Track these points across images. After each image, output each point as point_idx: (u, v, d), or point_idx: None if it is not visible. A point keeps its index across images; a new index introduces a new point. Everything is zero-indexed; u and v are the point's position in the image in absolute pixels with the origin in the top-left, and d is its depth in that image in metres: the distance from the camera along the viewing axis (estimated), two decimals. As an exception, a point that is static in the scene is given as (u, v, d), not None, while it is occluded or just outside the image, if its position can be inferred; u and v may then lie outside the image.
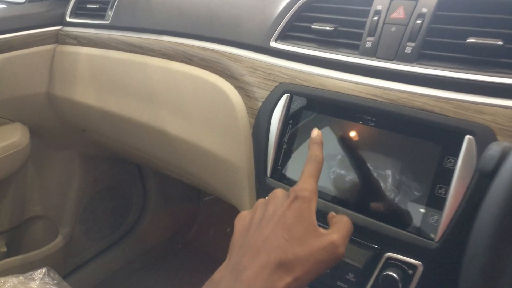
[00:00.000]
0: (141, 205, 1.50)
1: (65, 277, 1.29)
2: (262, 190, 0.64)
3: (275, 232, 0.43)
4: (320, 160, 0.49)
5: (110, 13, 0.94)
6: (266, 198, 0.49)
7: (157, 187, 1.48)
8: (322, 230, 0.44)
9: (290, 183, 0.61)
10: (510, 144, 0.37)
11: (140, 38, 0.86)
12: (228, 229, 1.62)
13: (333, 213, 0.50)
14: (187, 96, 0.77)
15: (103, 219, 1.41)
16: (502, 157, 0.36)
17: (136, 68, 0.85)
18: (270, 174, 0.63)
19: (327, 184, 0.57)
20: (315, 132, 0.54)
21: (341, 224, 0.46)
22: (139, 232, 1.50)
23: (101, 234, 1.42)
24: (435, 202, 0.48)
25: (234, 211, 1.67)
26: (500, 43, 0.47)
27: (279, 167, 0.63)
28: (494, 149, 0.38)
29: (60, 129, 1.15)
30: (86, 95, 0.98)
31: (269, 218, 0.44)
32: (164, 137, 0.84)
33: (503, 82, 0.47)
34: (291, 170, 0.61)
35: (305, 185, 0.46)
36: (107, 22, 0.94)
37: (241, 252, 0.44)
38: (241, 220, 0.49)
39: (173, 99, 0.79)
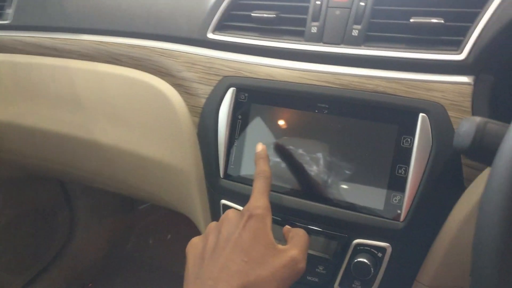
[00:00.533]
0: (68, 225, 1.36)
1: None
2: (216, 193, 0.60)
3: (232, 257, 0.40)
4: (268, 175, 0.48)
5: (9, 11, 0.81)
6: (218, 221, 0.46)
7: (85, 203, 1.35)
8: (280, 246, 0.43)
9: (246, 181, 0.57)
10: (482, 119, 0.38)
11: (52, 38, 0.75)
12: (169, 236, 1.54)
13: (288, 227, 0.49)
14: (118, 99, 0.69)
15: (24, 247, 1.25)
16: (478, 132, 0.36)
17: (53, 72, 0.75)
18: (223, 175, 0.59)
19: (287, 178, 0.55)
20: (260, 147, 0.53)
21: (298, 238, 0.45)
22: (69, 255, 1.36)
23: (24, 265, 1.25)
24: (397, 183, 0.49)
25: (172, 217, 1.60)
26: (441, 21, 0.48)
27: (232, 166, 0.59)
28: (467, 126, 0.38)
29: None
30: (-10, 108, 0.84)
31: (224, 243, 0.42)
32: (95, 149, 0.75)
33: (446, 59, 0.48)
34: (246, 167, 0.58)
35: (258, 203, 0.44)
36: (8, 22, 0.81)
37: (198, 284, 0.40)
38: (193, 248, 0.45)
39: (103, 105, 0.71)
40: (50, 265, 1.31)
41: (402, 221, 0.49)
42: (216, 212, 0.62)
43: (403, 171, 0.49)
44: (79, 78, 0.72)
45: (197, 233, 1.52)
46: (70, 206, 1.33)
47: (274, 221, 0.48)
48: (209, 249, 0.43)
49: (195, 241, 0.46)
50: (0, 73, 0.81)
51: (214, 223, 0.47)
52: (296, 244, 0.44)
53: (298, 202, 0.54)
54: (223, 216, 0.46)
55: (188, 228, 1.52)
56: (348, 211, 0.51)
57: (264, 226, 0.43)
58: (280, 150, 0.56)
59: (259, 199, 0.45)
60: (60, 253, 1.35)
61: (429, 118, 0.47)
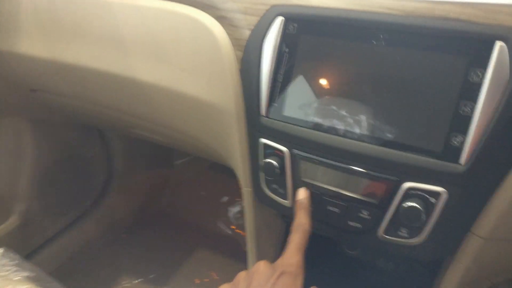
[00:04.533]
0: (106, 174, 1.38)
1: (26, 257, 1.17)
2: (257, 132, 0.57)
3: None
4: (307, 228, 0.47)
5: None
6: (249, 270, 0.45)
7: (123, 152, 1.36)
8: None
9: (289, 120, 0.54)
10: None
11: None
12: (203, 193, 1.55)
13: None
14: (160, 35, 0.67)
15: (63, 192, 1.28)
16: None
17: (94, 7, 0.73)
18: (265, 113, 0.56)
19: (335, 116, 0.51)
20: (302, 194, 0.51)
21: None
22: (106, 203, 1.39)
23: (63, 209, 1.29)
24: (460, 121, 0.44)
25: (208, 174, 1.60)
26: None
27: (275, 104, 0.56)
28: None
29: (4, 90, 1.00)
30: (32, 45, 0.84)
31: None
32: (135, 87, 0.73)
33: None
34: (290, 106, 0.54)
35: (292, 260, 0.44)
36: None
37: None
38: None
39: (144, 41, 0.68)
40: (88, 212, 1.35)
41: (463, 165, 0.44)
42: (254, 153, 0.59)
43: (469, 109, 0.43)
44: (120, 13, 0.70)
45: (231, 194, 1.51)
46: (108, 153, 1.35)
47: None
48: None
49: None
50: (39, 9, 0.80)
51: (244, 272, 0.46)
52: None
53: (344, 141, 0.50)
54: (254, 268, 0.45)
55: (223, 187, 1.53)
56: (400, 152, 0.47)
57: (296, 284, 0.42)
58: (329, 86, 0.51)
59: (294, 256, 0.44)
60: (97, 202, 1.38)
61: (508, 47, 0.41)
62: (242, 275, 0.45)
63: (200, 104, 0.66)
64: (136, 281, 1.24)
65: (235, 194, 1.48)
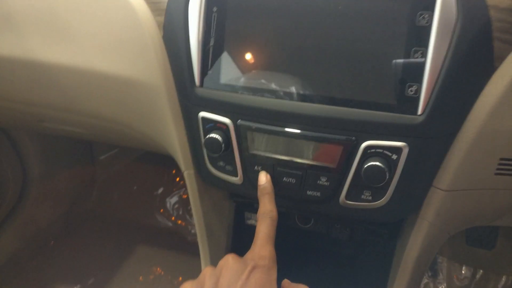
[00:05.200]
0: (20, 179, 1.21)
1: None
2: (193, 105, 0.50)
3: None
4: (275, 216, 0.44)
5: None
6: (215, 266, 0.40)
7: (36, 154, 1.20)
8: None
9: (228, 88, 0.47)
10: None
11: None
12: (135, 187, 1.43)
13: (287, 281, 0.45)
14: (59, 6, 0.56)
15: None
16: None
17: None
18: (199, 83, 0.49)
19: (279, 77, 0.46)
20: (263, 178, 0.47)
21: None
22: (25, 212, 1.22)
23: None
24: (413, 70, 0.41)
25: (138, 167, 1.49)
26: None
27: (209, 72, 0.49)
28: None
29: None
30: None
31: None
32: (40, 72, 0.61)
33: None
34: (227, 72, 0.48)
35: (263, 251, 0.40)
36: None
37: None
38: None
39: (40, 15, 0.57)
40: (4, 224, 1.18)
41: (420, 114, 0.41)
42: (193, 131, 0.52)
43: (420, 55, 0.40)
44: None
45: (166, 184, 1.42)
46: (19, 156, 1.18)
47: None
48: None
49: (187, 287, 0.40)
50: None
51: (210, 268, 0.41)
52: None
53: (292, 104, 0.45)
54: (221, 262, 0.40)
55: (156, 178, 1.43)
56: (354, 109, 0.43)
57: (270, 279, 0.39)
58: (269, 45, 0.46)
59: (264, 247, 0.41)
60: (14, 211, 1.21)
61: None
62: (208, 271, 0.40)
63: (121, 84, 0.57)
64: (74, 288, 1.12)
65: (171, 185, 1.40)
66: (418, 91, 0.41)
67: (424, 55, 0.40)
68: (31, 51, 0.61)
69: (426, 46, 0.40)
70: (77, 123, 0.77)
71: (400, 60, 0.41)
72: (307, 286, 0.42)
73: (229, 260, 0.40)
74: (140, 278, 1.16)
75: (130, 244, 1.27)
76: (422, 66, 0.40)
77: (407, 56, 0.41)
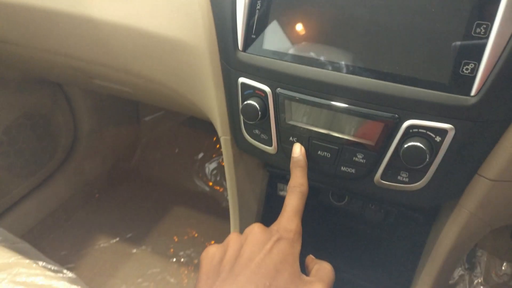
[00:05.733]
0: (72, 133, 1.28)
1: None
2: (234, 69, 0.49)
3: (254, 279, 0.36)
4: (305, 190, 0.43)
5: None
6: (241, 233, 0.41)
7: (88, 111, 1.26)
8: (305, 278, 0.39)
9: (270, 54, 0.46)
10: None
11: None
12: (176, 150, 1.47)
13: (312, 257, 0.45)
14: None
15: (27, 152, 1.19)
16: None
17: None
18: (242, 47, 0.48)
19: (320, 47, 0.44)
20: (297, 150, 0.46)
21: (323, 272, 0.41)
22: (74, 164, 1.30)
23: (28, 170, 1.20)
24: (472, 46, 0.37)
25: (181, 130, 1.53)
26: None
27: (253, 36, 0.48)
28: None
29: None
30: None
31: (246, 262, 0.37)
32: (89, 27, 0.63)
33: None
34: (271, 38, 0.47)
35: (289, 225, 0.40)
36: None
37: None
38: (209, 259, 0.40)
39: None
40: (56, 174, 1.27)
41: (474, 95, 0.38)
42: (232, 96, 0.51)
43: (483, 30, 0.37)
44: None
45: (206, 150, 1.44)
46: (72, 111, 1.24)
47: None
48: (227, 264, 0.38)
49: (212, 251, 0.41)
50: None
51: (236, 233, 0.41)
52: (323, 278, 0.40)
53: (335, 75, 0.43)
54: (247, 230, 0.41)
55: (197, 144, 1.46)
56: (400, 85, 0.40)
57: (293, 252, 0.39)
58: (317, 12, 0.43)
59: (291, 220, 0.41)
60: (65, 163, 1.29)
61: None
62: (233, 237, 0.41)
63: (166, 43, 0.57)
64: (113, 240, 1.19)
65: (211, 151, 1.42)
66: (475, 70, 0.37)
67: (488, 30, 0.36)
68: (90, 9, 0.62)
69: (491, 19, 0.36)
70: (124, 82, 0.79)
71: (459, 34, 0.38)
72: (330, 265, 0.42)
73: (255, 229, 0.40)
74: (175, 238, 1.20)
75: (168, 205, 1.32)
76: (483, 42, 0.37)
77: (468, 30, 0.37)
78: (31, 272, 0.48)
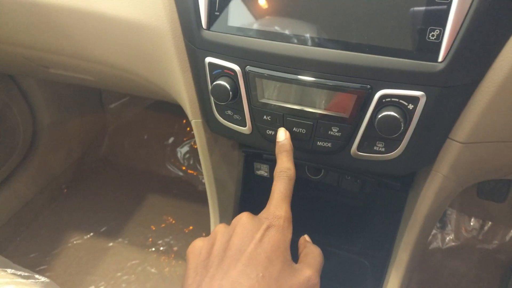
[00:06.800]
0: (30, 126, 1.21)
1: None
2: (199, 49, 0.47)
3: (247, 271, 0.35)
4: (292, 174, 0.42)
5: None
6: (228, 224, 0.40)
7: (46, 100, 1.19)
8: (295, 265, 0.38)
9: (237, 31, 0.45)
10: None
11: None
12: (146, 136, 1.44)
13: (305, 238, 0.45)
14: None
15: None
16: None
17: None
18: (206, 25, 0.46)
19: (291, 21, 0.43)
20: (282, 134, 0.44)
21: (312, 257, 0.40)
22: (36, 159, 1.24)
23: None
24: (436, 12, 0.37)
25: (148, 115, 1.48)
26: None
27: (217, 13, 0.46)
28: None
29: None
30: None
31: (236, 254, 0.36)
32: (41, 12, 0.59)
33: None
34: (236, 14, 0.45)
35: (278, 211, 0.39)
36: None
37: None
38: (196, 253, 0.39)
39: None
40: (18, 171, 1.20)
41: (441, 61, 0.38)
42: (200, 77, 0.50)
43: (446, -4, 0.37)
44: None
45: (177, 134, 1.41)
46: (29, 104, 1.17)
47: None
48: (216, 257, 0.37)
49: (199, 245, 0.39)
50: None
51: (223, 225, 0.40)
52: (311, 263, 0.39)
53: (304, 49, 0.42)
54: (235, 221, 0.39)
55: (167, 128, 1.43)
56: (369, 55, 0.40)
57: (284, 240, 0.38)
58: None
59: (280, 207, 0.39)
60: (27, 158, 1.23)
61: None
62: (220, 228, 0.40)
63: (126, 27, 0.54)
64: (87, 236, 1.16)
65: (182, 134, 1.40)
66: (440, 36, 0.38)
67: (451, -6, 0.37)
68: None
69: (453, -15, 0.36)
70: (84, 70, 0.75)
71: (423, 1, 0.38)
72: (318, 248, 0.42)
73: (243, 219, 0.39)
74: (152, 227, 1.18)
75: (141, 193, 1.29)
76: (447, 8, 0.37)
77: (432, -5, 0.37)
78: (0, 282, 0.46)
